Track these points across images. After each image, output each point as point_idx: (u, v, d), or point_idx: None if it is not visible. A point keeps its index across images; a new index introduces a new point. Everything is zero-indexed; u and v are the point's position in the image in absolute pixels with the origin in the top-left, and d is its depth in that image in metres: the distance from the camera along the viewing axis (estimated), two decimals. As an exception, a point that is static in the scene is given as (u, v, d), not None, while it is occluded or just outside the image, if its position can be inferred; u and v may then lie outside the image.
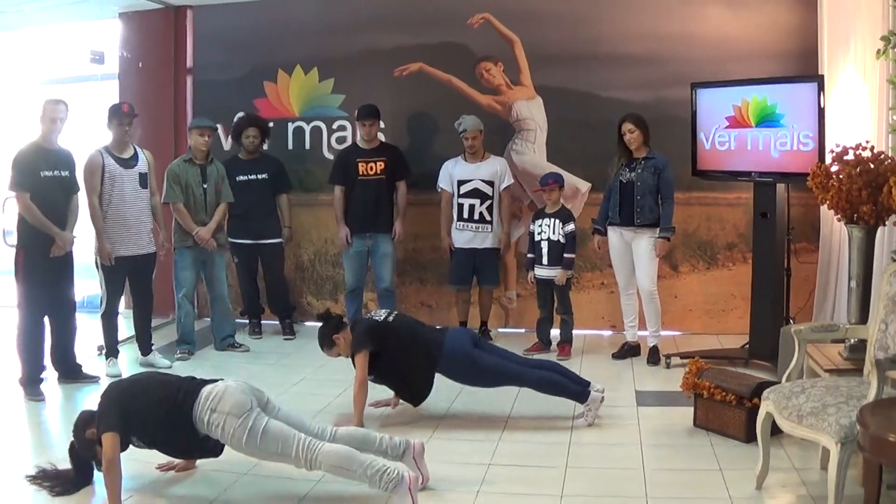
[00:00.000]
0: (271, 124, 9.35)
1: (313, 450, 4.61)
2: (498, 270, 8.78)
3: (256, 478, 5.13)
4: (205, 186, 8.16)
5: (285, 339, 9.04)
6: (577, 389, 6.14)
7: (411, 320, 6.44)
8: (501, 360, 6.21)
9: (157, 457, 5.13)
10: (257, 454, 4.72)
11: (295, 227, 9.28)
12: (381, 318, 6.19)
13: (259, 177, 8.89)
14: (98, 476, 4.91)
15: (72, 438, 4.97)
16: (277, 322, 9.30)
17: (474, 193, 8.50)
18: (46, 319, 7.11)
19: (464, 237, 8.56)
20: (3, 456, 5.62)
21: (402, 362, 6.07)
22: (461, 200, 8.54)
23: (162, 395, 4.74)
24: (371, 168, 8.64)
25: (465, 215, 8.52)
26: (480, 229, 8.52)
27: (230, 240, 8.61)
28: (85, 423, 4.88)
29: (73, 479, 4.95)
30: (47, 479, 4.95)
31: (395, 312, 6.39)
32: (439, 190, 8.68)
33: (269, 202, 8.94)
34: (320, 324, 6.22)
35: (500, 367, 6.15)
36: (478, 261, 8.59)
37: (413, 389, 6.18)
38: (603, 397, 6.15)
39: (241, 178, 8.75)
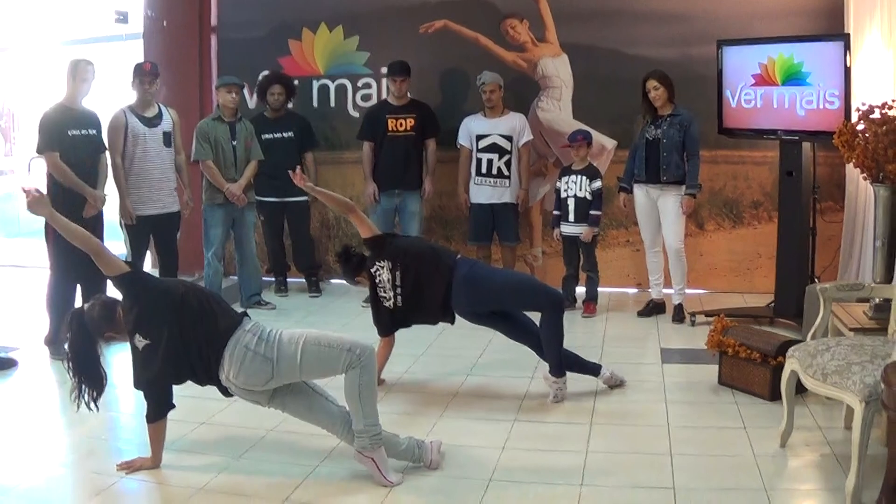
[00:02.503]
0: (296, 82, 9.35)
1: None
2: (517, 227, 8.74)
3: (282, 434, 5.19)
4: (234, 143, 8.22)
5: (311, 297, 9.11)
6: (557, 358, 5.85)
7: (419, 265, 5.86)
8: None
9: (182, 415, 5.20)
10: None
11: (321, 184, 9.26)
12: (391, 300, 5.88)
13: (285, 135, 8.92)
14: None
15: (82, 308, 4.77)
16: (303, 280, 9.36)
17: (493, 148, 8.49)
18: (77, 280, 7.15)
19: (482, 193, 8.57)
20: (32, 417, 5.71)
21: (420, 311, 5.98)
22: (479, 155, 8.53)
23: (184, 370, 4.65)
24: (401, 125, 8.63)
25: (484, 170, 8.52)
26: (498, 184, 8.51)
27: (257, 198, 8.64)
28: (107, 321, 4.66)
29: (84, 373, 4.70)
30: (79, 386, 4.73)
31: (400, 265, 5.84)
32: (459, 146, 8.68)
33: (295, 160, 8.89)
34: (341, 263, 6.18)
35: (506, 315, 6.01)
36: (496, 216, 8.59)
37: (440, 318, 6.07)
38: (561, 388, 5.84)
39: (267, 136, 8.78)
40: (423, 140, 8.73)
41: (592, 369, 6.02)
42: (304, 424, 4.75)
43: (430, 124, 8.75)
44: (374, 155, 8.74)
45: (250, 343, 4.52)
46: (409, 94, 8.80)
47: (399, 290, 5.86)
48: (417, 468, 4.68)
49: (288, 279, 9.39)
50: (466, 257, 6.23)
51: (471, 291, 5.78)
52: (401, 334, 6.12)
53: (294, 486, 4.50)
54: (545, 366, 5.89)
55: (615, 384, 6.03)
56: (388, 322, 5.99)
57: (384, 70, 9.09)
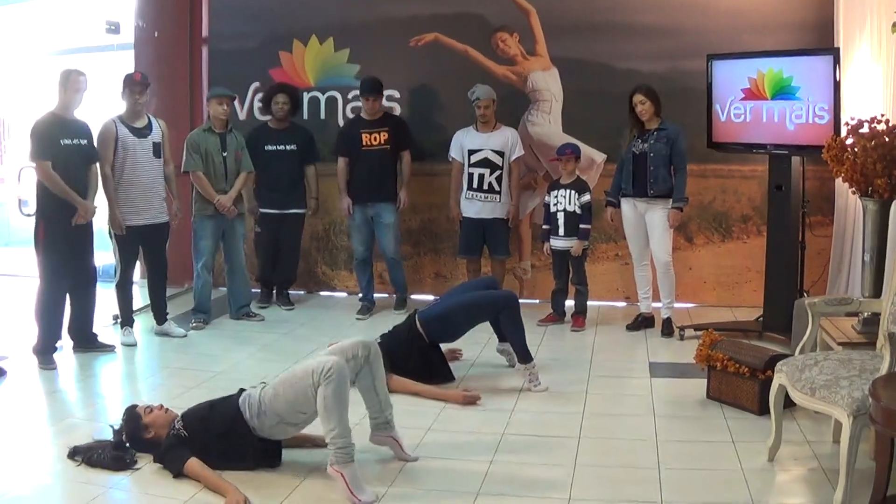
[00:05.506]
0: (305, 93, 9.41)
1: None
2: (507, 241, 8.72)
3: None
4: (224, 155, 8.18)
5: (286, 310, 8.99)
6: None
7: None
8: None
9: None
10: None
11: (319, 196, 9.23)
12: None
13: (288, 147, 8.85)
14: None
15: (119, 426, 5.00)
16: (302, 292, 9.37)
17: (484, 163, 8.46)
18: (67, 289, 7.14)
19: (473, 207, 8.54)
20: (21, 426, 5.65)
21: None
22: (471, 170, 8.51)
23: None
24: (374, 139, 8.60)
25: (475, 185, 8.49)
26: (489, 199, 8.48)
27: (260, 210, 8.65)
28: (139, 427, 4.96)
29: (112, 454, 4.88)
30: (83, 452, 4.92)
31: None
32: (450, 159, 8.67)
33: (297, 173, 8.90)
34: None
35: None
36: (486, 231, 8.57)
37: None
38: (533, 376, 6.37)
39: (270, 147, 8.76)
40: (397, 153, 8.72)
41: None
42: (290, 440, 4.82)
43: (403, 136, 8.75)
44: (348, 170, 8.73)
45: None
46: (385, 107, 8.85)
47: None
48: (405, 483, 4.68)
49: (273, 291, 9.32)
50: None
51: (444, 327, 6.54)
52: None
53: (281, 498, 4.49)
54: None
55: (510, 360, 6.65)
56: None
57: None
